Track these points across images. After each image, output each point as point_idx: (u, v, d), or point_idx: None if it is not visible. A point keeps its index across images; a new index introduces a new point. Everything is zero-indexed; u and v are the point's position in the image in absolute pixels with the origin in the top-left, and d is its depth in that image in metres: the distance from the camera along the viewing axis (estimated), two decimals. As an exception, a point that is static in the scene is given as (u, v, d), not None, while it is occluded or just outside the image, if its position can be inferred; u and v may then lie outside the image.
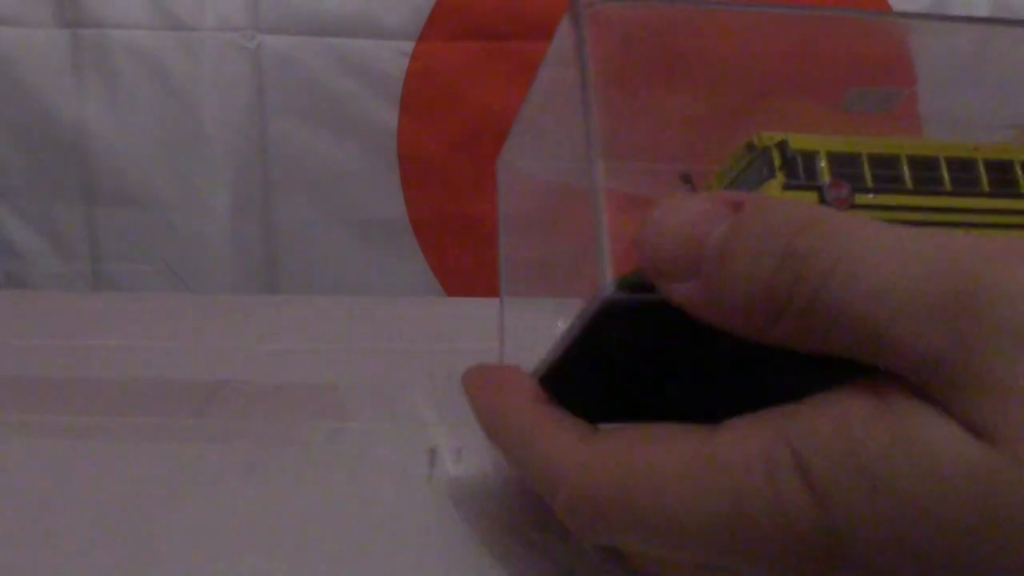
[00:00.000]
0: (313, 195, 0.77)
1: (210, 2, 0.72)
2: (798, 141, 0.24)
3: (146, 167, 0.75)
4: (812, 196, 0.24)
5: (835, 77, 0.27)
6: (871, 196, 0.24)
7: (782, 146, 0.24)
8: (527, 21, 0.73)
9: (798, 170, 0.24)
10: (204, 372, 0.35)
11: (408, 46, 0.73)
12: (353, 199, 0.77)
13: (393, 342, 0.38)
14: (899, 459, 0.17)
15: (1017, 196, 0.25)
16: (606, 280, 0.21)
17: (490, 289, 0.33)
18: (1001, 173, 0.25)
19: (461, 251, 0.77)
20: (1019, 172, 0.25)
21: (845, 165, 0.24)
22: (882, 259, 0.18)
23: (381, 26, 0.73)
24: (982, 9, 0.71)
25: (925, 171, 0.24)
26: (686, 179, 0.27)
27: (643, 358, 0.24)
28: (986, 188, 0.25)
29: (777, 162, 0.24)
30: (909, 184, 0.24)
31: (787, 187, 0.24)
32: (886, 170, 0.24)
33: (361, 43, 0.73)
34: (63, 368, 0.36)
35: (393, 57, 0.73)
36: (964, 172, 0.24)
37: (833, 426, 0.18)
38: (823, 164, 0.24)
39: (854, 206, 0.24)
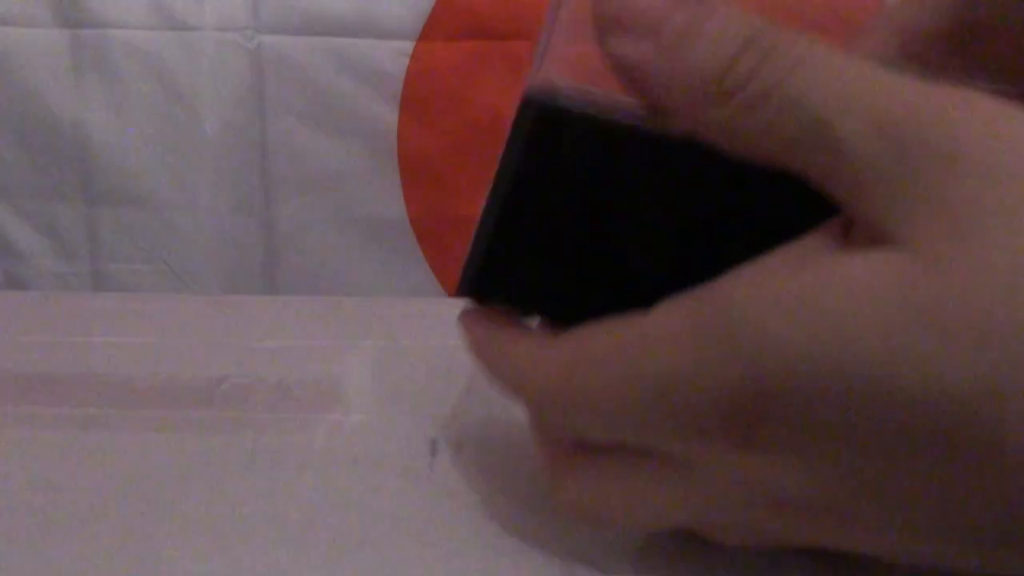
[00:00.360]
0: (313, 195, 0.77)
1: (210, 2, 0.72)
2: None
3: (146, 167, 0.76)
4: None
5: None
6: None
7: None
8: (527, 21, 0.73)
9: None
10: (205, 368, 0.35)
11: (408, 46, 0.73)
12: (353, 199, 0.77)
13: (393, 342, 0.38)
14: (818, 290, 0.18)
15: None
16: (543, 75, 0.21)
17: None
18: None
19: (461, 251, 0.77)
20: None
21: None
22: (842, 70, 0.19)
23: (381, 26, 0.73)
24: None
25: None
26: None
27: (578, 215, 0.24)
28: None
29: None
30: None
31: None
32: None
33: (361, 43, 0.73)
34: (65, 364, 0.36)
35: (393, 57, 0.73)
36: None
37: (752, 284, 0.20)
38: None
39: None
